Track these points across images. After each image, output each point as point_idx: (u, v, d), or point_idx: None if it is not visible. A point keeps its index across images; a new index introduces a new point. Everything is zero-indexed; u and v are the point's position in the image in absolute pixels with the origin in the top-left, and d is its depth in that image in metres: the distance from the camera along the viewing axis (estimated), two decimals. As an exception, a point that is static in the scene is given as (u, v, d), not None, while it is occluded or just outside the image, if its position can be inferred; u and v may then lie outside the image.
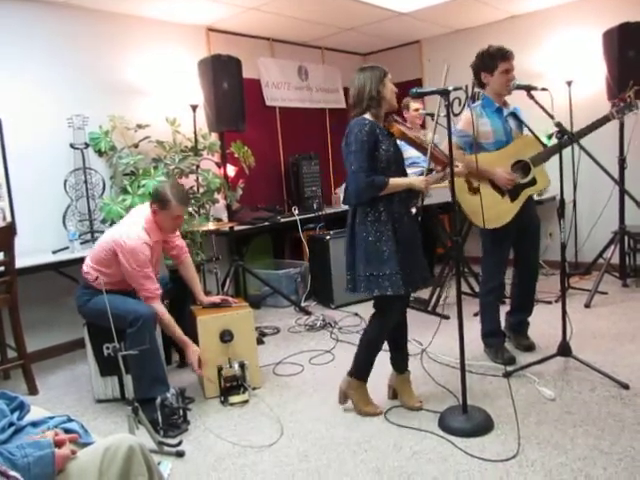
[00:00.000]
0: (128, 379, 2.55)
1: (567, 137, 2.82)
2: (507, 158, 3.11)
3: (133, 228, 2.95)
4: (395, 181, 2.56)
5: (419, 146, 2.68)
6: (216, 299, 3.31)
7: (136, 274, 2.89)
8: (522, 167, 3.12)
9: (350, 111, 2.66)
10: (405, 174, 2.73)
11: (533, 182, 3.13)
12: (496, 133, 3.11)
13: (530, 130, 3.12)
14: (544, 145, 3.10)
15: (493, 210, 3.05)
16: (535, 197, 3.55)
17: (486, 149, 3.12)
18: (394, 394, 2.89)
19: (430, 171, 2.71)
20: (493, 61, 3.07)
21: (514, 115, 3.18)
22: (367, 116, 2.58)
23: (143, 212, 3.06)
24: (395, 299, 2.60)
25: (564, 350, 2.96)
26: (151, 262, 2.97)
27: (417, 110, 4.77)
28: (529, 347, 3.39)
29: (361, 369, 2.77)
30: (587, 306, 4.18)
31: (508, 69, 3.06)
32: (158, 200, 2.94)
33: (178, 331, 3.00)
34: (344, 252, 2.72)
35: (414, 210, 2.65)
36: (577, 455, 2.23)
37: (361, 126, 2.52)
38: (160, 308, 2.97)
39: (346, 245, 2.69)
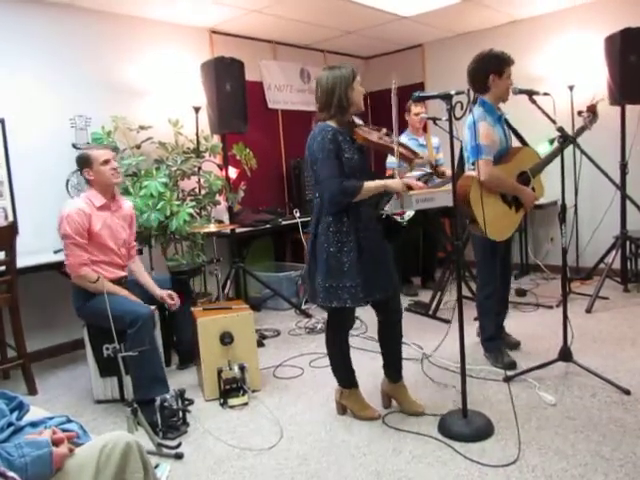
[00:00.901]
0: (128, 380, 2.55)
1: (569, 141, 2.82)
2: (512, 170, 3.11)
3: (73, 201, 3.11)
4: (369, 184, 2.46)
5: (386, 148, 2.60)
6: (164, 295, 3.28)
7: (67, 241, 2.97)
8: (525, 179, 3.14)
9: (317, 114, 2.57)
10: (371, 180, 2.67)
11: None
12: (501, 141, 3.12)
13: (519, 137, 3.23)
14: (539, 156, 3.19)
15: (503, 222, 3.06)
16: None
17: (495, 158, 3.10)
18: (389, 401, 2.84)
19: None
20: (501, 64, 3.04)
21: (506, 121, 3.21)
22: (331, 123, 2.52)
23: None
24: (351, 309, 2.60)
25: (565, 355, 2.95)
26: (88, 233, 3.01)
27: (418, 114, 4.77)
28: (514, 345, 3.48)
29: (343, 378, 2.77)
30: (588, 311, 4.17)
31: (510, 74, 3.07)
32: (83, 163, 3.08)
33: (113, 288, 2.97)
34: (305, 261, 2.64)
35: (382, 212, 2.58)
36: (578, 461, 2.22)
37: (324, 133, 2.45)
38: (88, 273, 2.98)
39: (307, 255, 2.63)
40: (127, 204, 3.38)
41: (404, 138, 4.94)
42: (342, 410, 2.81)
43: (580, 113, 3.20)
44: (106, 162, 3.08)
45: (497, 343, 3.31)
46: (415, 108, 4.81)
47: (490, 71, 3.04)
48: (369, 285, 2.52)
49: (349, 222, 2.50)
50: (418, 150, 4.84)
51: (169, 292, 3.29)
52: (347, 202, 2.47)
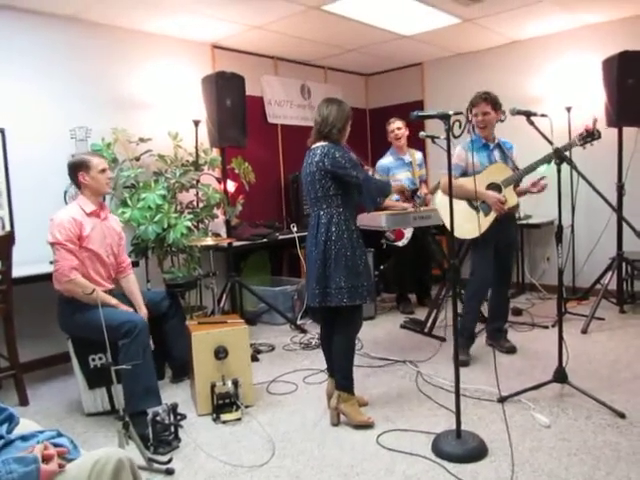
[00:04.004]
0: (118, 389, 2.52)
1: (566, 162, 2.85)
2: (482, 181, 3.44)
3: (65, 209, 3.10)
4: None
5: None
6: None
7: (57, 246, 2.94)
8: (494, 189, 3.52)
9: (316, 133, 2.86)
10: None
11: None
12: (482, 164, 3.56)
13: (512, 161, 3.62)
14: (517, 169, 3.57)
15: (471, 223, 3.36)
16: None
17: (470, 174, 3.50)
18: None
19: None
20: (471, 106, 3.57)
21: (500, 147, 3.63)
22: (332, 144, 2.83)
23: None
24: (361, 306, 2.87)
25: (560, 376, 2.95)
26: (79, 239, 2.99)
27: (392, 131, 4.86)
28: (510, 349, 3.76)
29: (349, 380, 2.87)
30: (584, 332, 4.17)
31: (477, 113, 3.54)
32: (79, 166, 3.08)
33: (104, 297, 2.96)
34: (312, 266, 2.81)
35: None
36: (571, 484, 2.21)
37: (336, 148, 2.77)
38: (79, 278, 2.97)
39: (316, 261, 2.77)
40: (114, 218, 3.36)
41: (389, 158, 4.93)
42: (337, 419, 2.85)
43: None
44: (103, 171, 3.11)
45: (465, 340, 3.60)
46: (388, 126, 4.90)
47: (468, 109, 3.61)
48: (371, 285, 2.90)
49: (357, 231, 2.86)
50: (402, 170, 4.88)
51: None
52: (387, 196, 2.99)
